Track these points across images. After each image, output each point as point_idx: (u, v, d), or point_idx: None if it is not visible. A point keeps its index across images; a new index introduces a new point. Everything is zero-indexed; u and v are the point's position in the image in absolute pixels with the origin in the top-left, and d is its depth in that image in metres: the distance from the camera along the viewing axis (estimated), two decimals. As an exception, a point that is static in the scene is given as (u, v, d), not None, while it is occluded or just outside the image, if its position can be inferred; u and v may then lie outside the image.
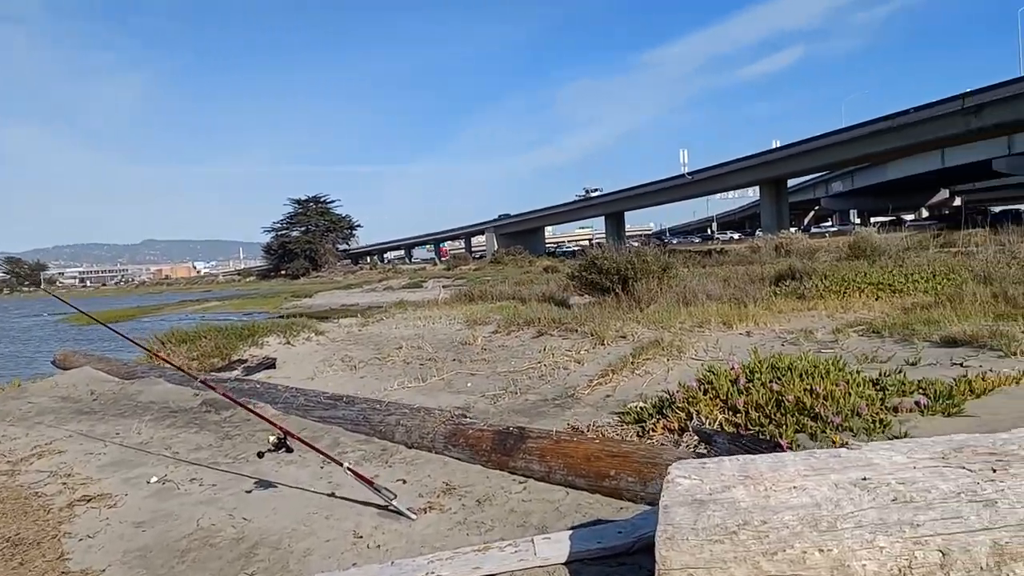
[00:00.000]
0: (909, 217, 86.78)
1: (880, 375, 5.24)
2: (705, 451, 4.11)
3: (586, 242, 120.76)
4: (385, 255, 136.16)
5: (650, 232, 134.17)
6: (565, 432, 5.09)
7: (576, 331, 9.85)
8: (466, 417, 6.08)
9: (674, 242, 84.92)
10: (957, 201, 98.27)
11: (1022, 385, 4.95)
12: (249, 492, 4.96)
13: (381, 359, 11.05)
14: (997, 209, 68.68)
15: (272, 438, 5.09)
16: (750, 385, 5.21)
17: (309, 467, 5.40)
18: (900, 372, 5.22)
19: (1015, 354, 5.83)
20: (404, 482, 5.03)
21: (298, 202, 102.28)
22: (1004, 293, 8.38)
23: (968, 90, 43.46)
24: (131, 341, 7.04)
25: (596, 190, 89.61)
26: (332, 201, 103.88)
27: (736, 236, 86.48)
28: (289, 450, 5.17)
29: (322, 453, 4.79)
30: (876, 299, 10.32)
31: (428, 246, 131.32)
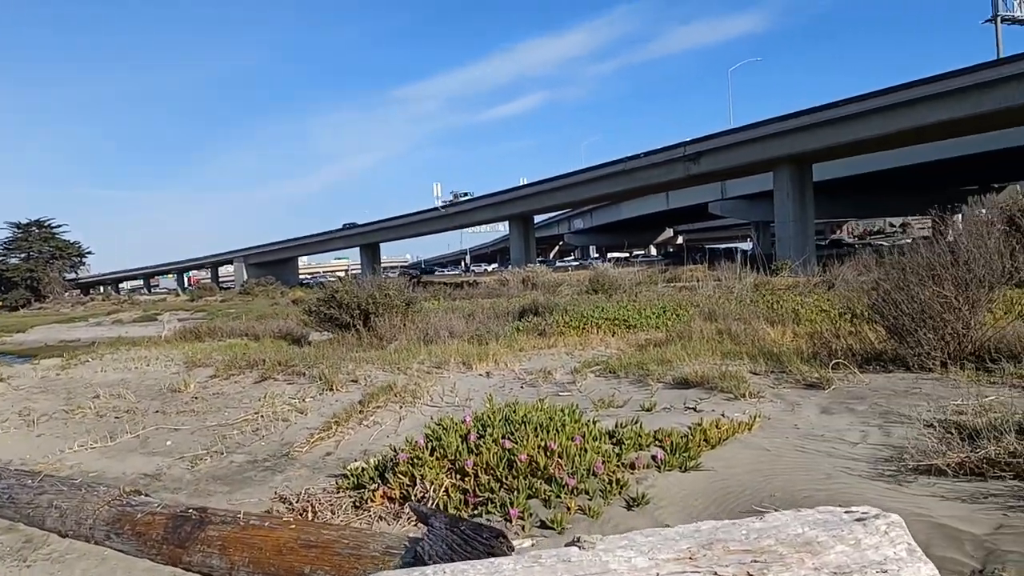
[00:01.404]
0: (640, 253, 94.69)
1: (617, 425, 4.87)
2: (422, 536, 3.37)
3: (342, 273, 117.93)
4: (121, 285, 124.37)
5: (406, 263, 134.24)
6: (256, 514, 4.11)
7: (304, 375, 8.82)
8: (139, 495, 4.87)
9: (437, 272, 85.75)
10: (680, 239, 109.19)
11: (754, 431, 4.81)
12: None
13: (70, 411, 9.26)
14: (723, 247, 76.70)
15: None
16: (481, 442, 4.59)
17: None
18: (636, 422, 4.89)
19: (744, 396, 5.78)
20: (41, 589, 3.83)
21: (18, 226, 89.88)
22: (728, 330, 8.68)
23: (688, 139, 48.06)
24: None
25: (466, 193, 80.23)
26: (59, 226, 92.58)
27: (490, 268, 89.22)
28: None
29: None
30: (613, 335, 10.39)
31: (172, 275, 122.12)
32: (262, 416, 7.53)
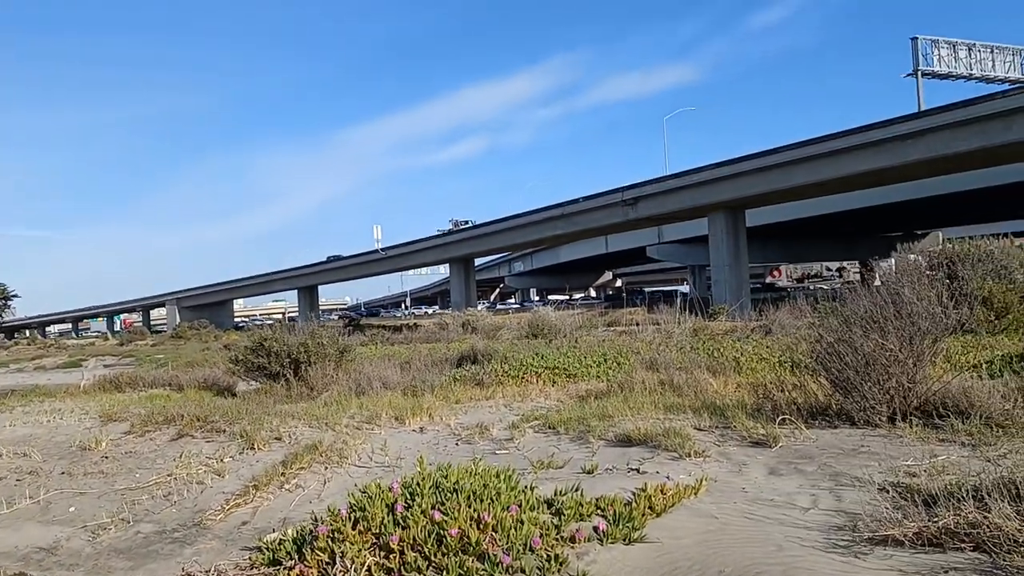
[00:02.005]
0: (579, 295, 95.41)
1: (556, 492, 4.53)
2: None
3: (279, 315, 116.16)
4: (48, 328, 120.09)
5: (346, 306, 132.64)
6: (151, 605, 3.64)
7: (224, 431, 8.27)
8: (24, 579, 4.34)
9: (383, 313, 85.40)
10: (619, 282, 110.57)
11: (701, 495, 4.54)
12: None
13: (-33, 474, 8.48)
14: (662, 290, 77.54)
15: None
16: (409, 513, 4.20)
17: None
18: (577, 488, 4.56)
19: (689, 455, 5.52)
20: None
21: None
22: (670, 380, 8.49)
23: (626, 184, 48.80)
24: None
25: (466, 221, 74.30)
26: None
27: (430, 311, 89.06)
28: None
29: None
30: (553, 384, 10.12)
31: (101, 318, 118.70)
32: (175, 478, 6.96)
